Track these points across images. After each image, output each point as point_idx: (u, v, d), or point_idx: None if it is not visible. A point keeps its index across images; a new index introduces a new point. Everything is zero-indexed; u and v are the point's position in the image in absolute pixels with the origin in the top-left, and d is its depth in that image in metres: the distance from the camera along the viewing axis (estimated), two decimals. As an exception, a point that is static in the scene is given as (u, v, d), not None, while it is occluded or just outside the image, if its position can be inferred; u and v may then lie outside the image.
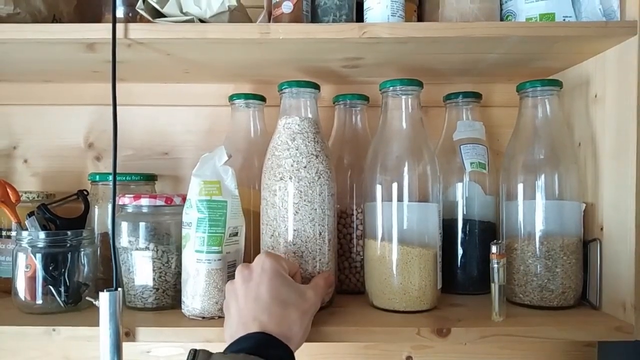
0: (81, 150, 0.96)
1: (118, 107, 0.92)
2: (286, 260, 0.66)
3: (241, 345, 0.57)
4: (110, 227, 0.66)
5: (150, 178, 0.87)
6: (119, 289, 0.64)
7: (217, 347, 0.90)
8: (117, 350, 0.63)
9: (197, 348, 0.55)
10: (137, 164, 0.95)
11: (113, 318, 0.63)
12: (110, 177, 0.81)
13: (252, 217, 0.78)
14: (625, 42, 0.68)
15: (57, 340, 0.67)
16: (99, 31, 0.65)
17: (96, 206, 0.84)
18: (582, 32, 0.66)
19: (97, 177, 0.85)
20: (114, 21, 0.63)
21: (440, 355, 0.95)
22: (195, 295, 0.69)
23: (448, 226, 0.82)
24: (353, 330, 0.66)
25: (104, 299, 0.62)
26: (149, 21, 0.67)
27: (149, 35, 0.66)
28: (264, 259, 0.63)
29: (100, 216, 0.84)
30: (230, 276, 0.71)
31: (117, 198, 0.74)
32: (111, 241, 0.65)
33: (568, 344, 0.95)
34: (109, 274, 0.66)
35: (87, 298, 0.67)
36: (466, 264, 0.82)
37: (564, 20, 0.71)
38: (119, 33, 0.65)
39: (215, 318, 0.69)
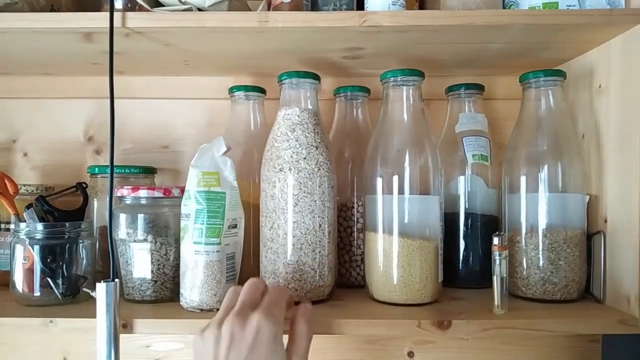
0: (81, 144, 0.95)
1: (118, 101, 0.92)
2: (282, 306, 0.59)
3: None
4: (108, 217, 0.65)
5: (150, 171, 0.87)
6: (116, 280, 0.63)
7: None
8: (114, 341, 0.62)
9: None
10: (137, 157, 0.94)
11: (110, 309, 0.62)
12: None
13: (252, 210, 0.77)
14: (630, 31, 0.67)
15: (55, 332, 0.67)
16: (97, 20, 0.64)
17: (95, 199, 0.83)
18: (585, 20, 0.65)
19: (97, 169, 0.84)
20: (112, 9, 0.62)
21: (442, 350, 0.94)
22: (193, 287, 0.68)
23: (450, 220, 0.81)
24: (353, 322, 0.65)
25: (100, 290, 0.62)
26: (147, 11, 0.67)
27: (146, 24, 0.65)
28: (262, 322, 0.55)
29: (99, 209, 0.83)
30: (229, 268, 0.70)
31: (115, 190, 0.74)
32: (108, 232, 0.64)
33: (572, 339, 0.94)
34: (108, 267, 0.65)
35: (84, 289, 0.67)
36: (468, 258, 0.81)
37: (568, 9, 0.69)
38: (117, 22, 0.64)
39: (214, 310, 0.68)
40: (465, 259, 0.81)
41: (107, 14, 0.63)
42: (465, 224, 0.82)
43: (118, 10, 0.65)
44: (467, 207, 0.82)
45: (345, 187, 0.82)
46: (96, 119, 0.95)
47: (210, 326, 0.56)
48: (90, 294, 0.64)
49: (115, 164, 0.87)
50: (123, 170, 0.83)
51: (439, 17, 0.64)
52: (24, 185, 0.83)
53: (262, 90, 0.85)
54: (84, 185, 0.82)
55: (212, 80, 0.93)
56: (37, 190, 0.84)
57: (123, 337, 0.65)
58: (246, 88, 0.84)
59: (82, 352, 0.95)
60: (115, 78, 0.90)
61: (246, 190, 0.79)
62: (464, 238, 0.81)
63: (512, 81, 0.82)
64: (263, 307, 0.57)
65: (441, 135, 0.86)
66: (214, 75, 0.92)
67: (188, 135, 0.94)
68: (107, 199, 0.77)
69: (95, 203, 0.83)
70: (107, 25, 0.63)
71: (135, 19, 0.65)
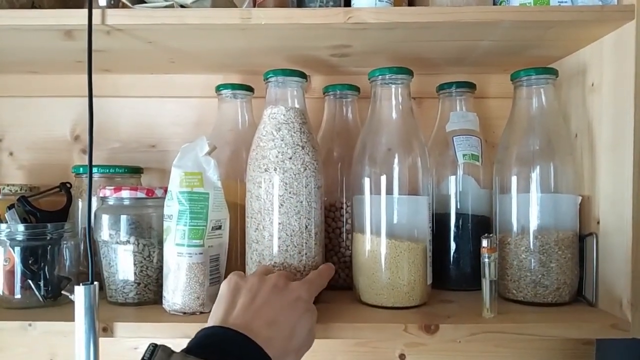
0: (68, 143, 0.94)
1: (105, 99, 0.92)
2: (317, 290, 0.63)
3: (222, 345, 0.52)
4: (87, 219, 0.64)
5: (136, 171, 0.85)
6: (95, 282, 0.62)
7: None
8: (94, 345, 0.61)
9: (158, 344, 0.51)
10: (124, 157, 0.93)
11: (89, 312, 0.60)
12: (96, 169, 0.81)
13: (239, 211, 0.76)
14: (622, 28, 0.65)
15: (40, 334, 0.66)
16: (76, 17, 0.63)
17: (80, 199, 0.82)
18: (576, 16, 0.63)
19: (81, 169, 0.83)
20: (90, 5, 0.61)
21: (434, 353, 0.92)
22: (175, 290, 0.67)
23: (441, 220, 0.80)
24: (337, 326, 0.64)
25: (79, 293, 0.60)
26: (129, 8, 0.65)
27: (127, 21, 0.63)
28: (303, 291, 0.58)
29: (84, 209, 0.82)
30: (213, 271, 0.69)
31: (98, 190, 0.73)
32: (87, 233, 0.63)
33: (565, 342, 0.92)
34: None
35: (63, 292, 0.65)
36: (459, 259, 0.79)
37: (560, 5, 0.68)
38: (96, 19, 0.63)
39: (197, 314, 0.67)
40: (456, 261, 0.80)
41: (86, 10, 0.61)
42: (456, 225, 0.80)
43: (97, 7, 0.64)
44: (458, 207, 0.80)
45: (334, 187, 0.81)
46: (83, 117, 0.92)
47: (252, 274, 0.61)
48: (69, 296, 0.62)
49: (101, 163, 0.86)
50: (108, 170, 0.81)
51: (425, 14, 0.63)
52: (8, 185, 0.82)
53: (249, 89, 0.83)
54: (68, 186, 0.81)
55: (200, 78, 0.91)
56: (21, 190, 0.82)
57: (110, 339, 0.64)
58: (233, 86, 0.82)
59: (69, 353, 0.94)
60: (101, 76, 0.90)
61: (233, 191, 0.78)
62: (455, 239, 0.80)
63: (505, 79, 0.80)
64: (305, 281, 0.61)
65: (432, 135, 0.84)
66: (202, 73, 0.90)
67: (176, 134, 0.93)
68: (94, 201, 0.76)
69: (80, 203, 0.82)
70: (86, 22, 0.62)
71: (115, 16, 0.63)
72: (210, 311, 0.66)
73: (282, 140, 0.69)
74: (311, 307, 0.59)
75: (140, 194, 0.70)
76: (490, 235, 0.65)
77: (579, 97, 0.75)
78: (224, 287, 0.59)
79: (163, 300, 0.68)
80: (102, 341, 0.63)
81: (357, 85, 0.84)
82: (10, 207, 0.73)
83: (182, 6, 0.66)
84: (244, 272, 0.72)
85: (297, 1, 0.70)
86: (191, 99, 0.93)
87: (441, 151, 0.82)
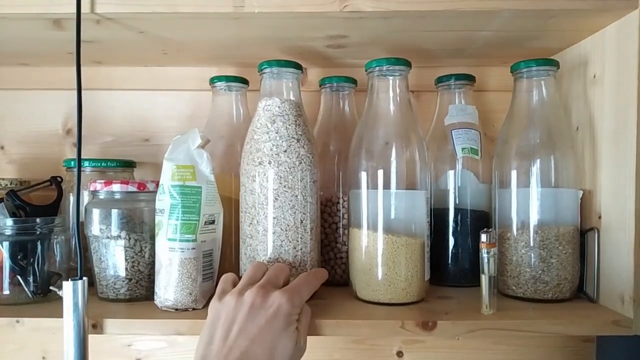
0: (59, 137, 0.92)
1: (97, 92, 0.90)
2: (305, 294, 0.61)
3: None
4: (75, 213, 0.62)
5: (128, 165, 0.84)
6: (85, 278, 0.60)
7: (189, 340, 0.87)
8: (82, 342, 0.59)
9: None
10: (117, 151, 0.91)
11: (77, 309, 0.59)
12: (87, 163, 0.79)
13: (234, 205, 0.74)
14: (625, 17, 0.63)
15: (31, 331, 0.64)
16: (64, 5, 0.61)
17: (71, 194, 0.80)
18: (578, 5, 0.61)
19: (72, 163, 0.81)
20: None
21: (431, 350, 0.91)
22: (168, 285, 0.65)
23: (440, 215, 0.78)
24: (333, 323, 0.62)
25: (67, 289, 0.59)
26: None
27: (117, 10, 0.62)
28: (283, 301, 0.56)
29: (75, 203, 0.80)
30: (206, 266, 0.67)
31: (89, 184, 0.71)
32: (75, 227, 0.62)
33: (566, 339, 0.91)
34: (84, 263, 0.63)
35: (52, 288, 0.64)
36: (458, 255, 0.78)
37: (561, -6, 0.66)
38: (85, 7, 0.61)
39: (189, 310, 0.65)
40: (455, 256, 0.78)
41: (75, -2, 0.60)
42: (455, 220, 0.79)
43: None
44: (457, 202, 0.79)
45: (330, 181, 0.79)
46: (75, 111, 0.91)
47: (231, 293, 0.58)
48: (57, 292, 0.61)
49: (94, 157, 0.85)
50: (99, 164, 0.80)
51: (424, 2, 0.61)
52: (-2, 179, 0.80)
53: (244, 81, 0.82)
54: (59, 179, 0.79)
55: (194, 70, 0.90)
56: (11, 184, 0.80)
57: (103, 336, 0.63)
58: (227, 78, 0.81)
59: (61, 350, 0.91)
60: (93, 69, 0.89)
61: (228, 185, 0.76)
62: (454, 234, 0.78)
63: (505, 72, 0.78)
64: (288, 288, 0.59)
65: (430, 128, 0.83)
66: (196, 65, 0.89)
67: (170, 127, 0.91)
68: (85, 195, 0.75)
69: (71, 198, 0.80)
70: (74, 10, 0.60)
71: (104, 4, 0.61)
72: (202, 307, 0.66)
73: (276, 133, 0.67)
74: (292, 319, 0.57)
75: (131, 188, 0.69)
76: (490, 230, 0.64)
77: (580, 90, 0.74)
78: (209, 312, 0.58)
79: (155, 297, 0.67)
80: (95, 338, 0.62)
81: (354, 77, 0.82)
82: (-2, 202, 0.71)
83: (173, -5, 0.64)
84: (238, 267, 0.70)
85: (293, -9, 0.68)
86: (185, 91, 0.91)
87: (440, 145, 0.80)
